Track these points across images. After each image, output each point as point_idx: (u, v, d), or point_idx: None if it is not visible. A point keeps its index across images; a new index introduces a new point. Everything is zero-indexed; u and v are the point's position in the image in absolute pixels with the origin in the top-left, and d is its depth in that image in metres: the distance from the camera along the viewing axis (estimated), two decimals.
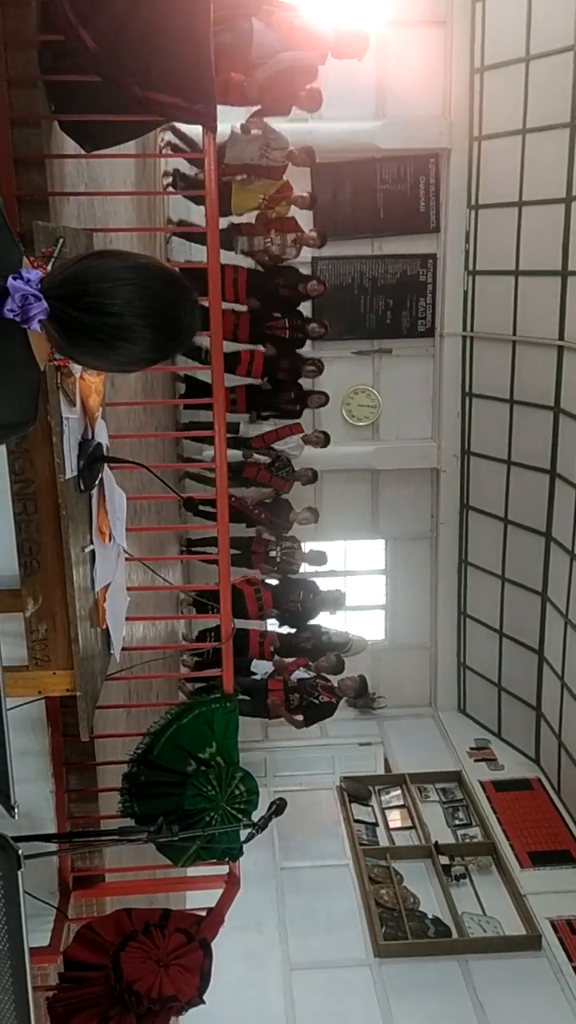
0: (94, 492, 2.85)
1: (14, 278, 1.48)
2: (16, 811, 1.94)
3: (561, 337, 8.66)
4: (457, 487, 10.46)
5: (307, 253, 9.07)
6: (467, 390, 10.12)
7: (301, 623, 8.13)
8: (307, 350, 8.85)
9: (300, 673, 7.53)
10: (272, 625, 8.34)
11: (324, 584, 8.60)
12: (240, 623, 6.97)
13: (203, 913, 3.67)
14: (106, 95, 3.16)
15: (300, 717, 7.47)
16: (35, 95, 3.17)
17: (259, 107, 6.41)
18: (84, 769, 3.97)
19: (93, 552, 2.86)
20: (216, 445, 3.90)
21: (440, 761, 10.13)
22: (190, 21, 3.07)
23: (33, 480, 2.56)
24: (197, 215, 7.63)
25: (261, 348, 8.19)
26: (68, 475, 2.57)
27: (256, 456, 8.37)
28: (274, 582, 8.23)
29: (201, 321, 1.95)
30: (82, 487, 2.72)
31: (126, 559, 3.43)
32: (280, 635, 8.13)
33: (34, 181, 3.13)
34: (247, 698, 6.74)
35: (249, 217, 7.76)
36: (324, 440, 8.67)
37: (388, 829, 9.23)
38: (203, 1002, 3.35)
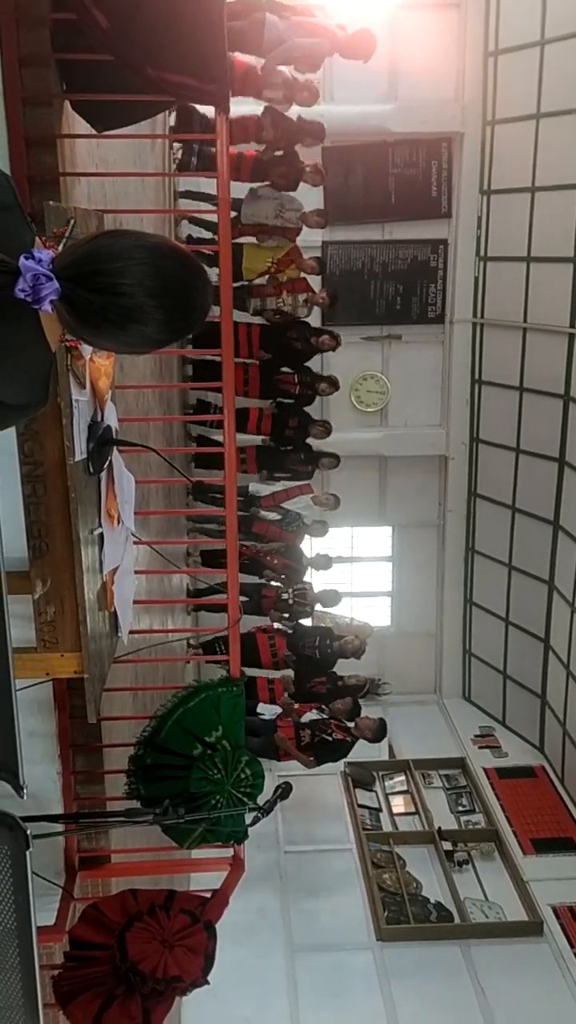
0: (103, 475, 2.85)
1: (26, 258, 1.47)
2: (24, 791, 1.95)
3: (572, 325, 8.61)
4: (465, 475, 10.43)
5: (316, 236, 9.04)
6: (476, 377, 10.08)
7: (318, 671, 7.52)
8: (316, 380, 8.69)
9: (312, 715, 7.09)
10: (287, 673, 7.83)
11: (322, 586, 8.44)
12: (250, 671, 6.68)
13: (208, 895, 3.69)
14: (118, 75, 3.13)
15: (311, 757, 6.67)
16: (47, 74, 3.14)
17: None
18: (91, 751, 3.98)
19: (101, 535, 2.86)
20: (225, 427, 3.89)
21: (444, 748, 10.16)
22: (204, 1, 3.04)
23: (42, 462, 2.56)
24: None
25: (270, 404, 8.21)
26: (77, 457, 2.56)
27: (265, 514, 8.22)
28: (288, 630, 7.82)
29: (213, 298, 1.93)
30: (91, 470, 2.71)
31: (134, 543, 3.43)
32: (293, 680, 7.58)
33: (45, 161, 3.11)
34: (254, 737, 6.19)
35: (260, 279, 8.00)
36: (335, 503, 8.48)
37: (392, 815, 9.27)
38: (207, 983, 3.38)
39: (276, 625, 7.82)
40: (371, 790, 9.56)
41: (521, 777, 9.72)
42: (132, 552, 3.40)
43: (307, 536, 8.49)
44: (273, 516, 8.22)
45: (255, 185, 7.47)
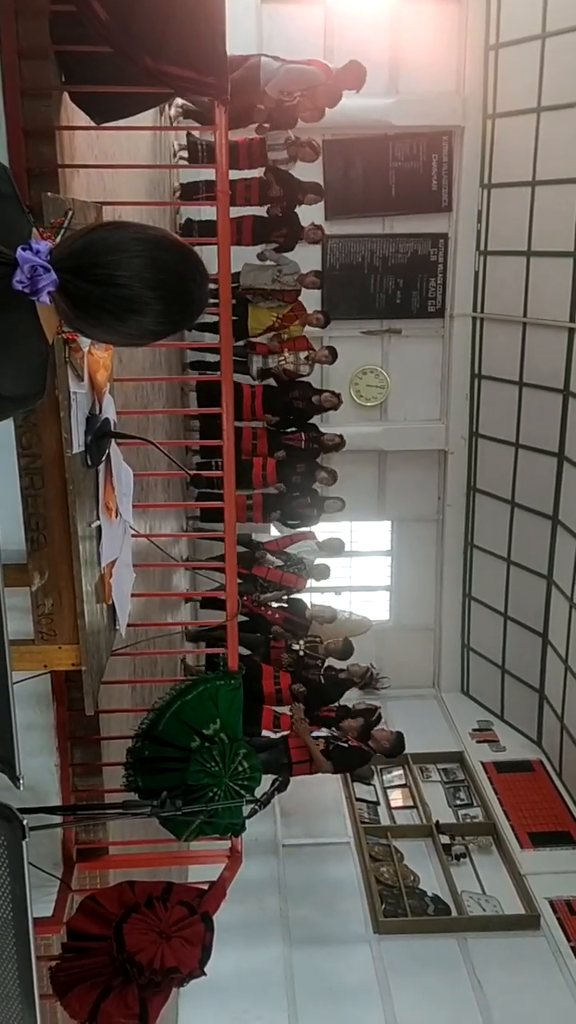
0: (101, 468, 2.85)
1: (23, 249, 1.47)
2: (21, 782, 1.95)
3: (572, 319, 8.60)
4: (465, 469, 10.43)
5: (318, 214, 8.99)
6: (476, 371, 10.07)
7: (326, 700, 7.27)
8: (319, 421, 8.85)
9: (320, 733, 6.79)
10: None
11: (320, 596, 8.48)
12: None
13: (205, 887, 3.70)
14: (117, 66, 3.12)
15: (328, 762, 6.38)
16: (46, 66, 3.13)
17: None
18: (89, 743, 3.99)
19: (100, 528, 2.87)
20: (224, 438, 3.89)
21: (442, 742, 10.18)
22: None
23: (40, 455, 2.57)
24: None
25: (277, 456, 8.28)
26: (75, 450, 2.57)
27: (269, 557, 8.11)
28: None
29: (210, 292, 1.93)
30: (89, 462, 2.72)
31: (132, 536, 3.43)
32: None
33: (44, 153, 3.10)
34: (262, 754, 5.67)
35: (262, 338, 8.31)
36: (340, 547, 8.49)
37: (390, 808, 9.29)
38: (204, 974, 3.39)
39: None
40: (369, 784, 9.59)
41: (519, 771, 9.75)
42: (130, 545, 3.41)
43: (311, 580, 8.30)
44: (276, 561, 8.09)
45: (255, 250, 7.89)
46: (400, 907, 7.87)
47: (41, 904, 3.64)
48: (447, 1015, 6.93)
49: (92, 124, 3.48)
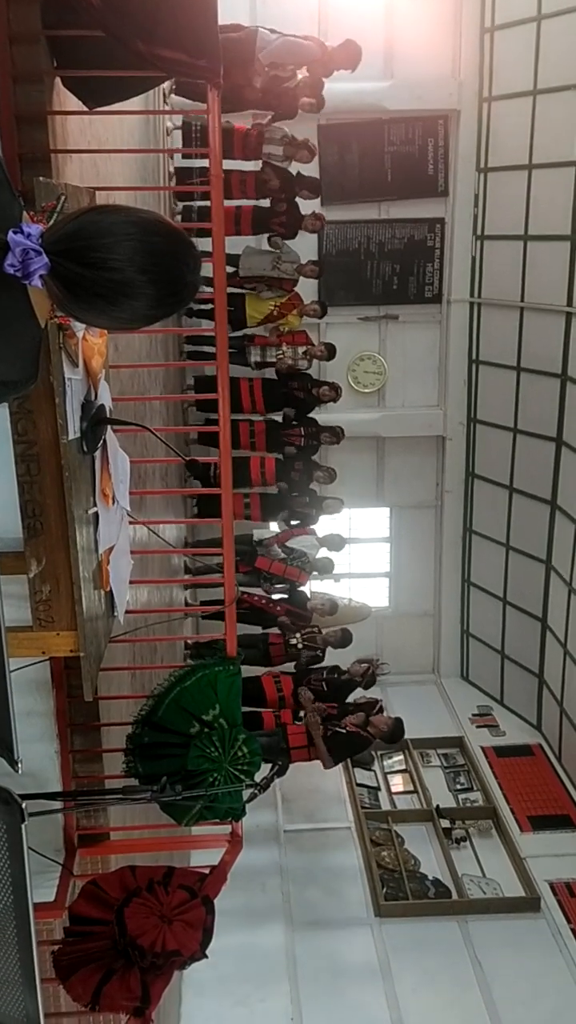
0: (97, 455, 2.85)
1: (14, 232, 1.47)
2: (20, 766, 1.96)
3: (569, 304, 8.58)
4: (463, 455, 10.43)
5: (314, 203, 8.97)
6: (474, 357, 10.06)
7: (330, 700, 7.13)
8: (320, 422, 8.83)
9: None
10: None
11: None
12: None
13: (206, 871, 3.72)
14: (109, 51, 3.10)
15: (327, 750, 6.36)
16: (37, 50, 3.11)
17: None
18: (89, 730, 4.01)
19: (96, 514, 2.87)
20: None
21: (442, 727, 10.22)
22: None
23: (36, 442, 2.56)
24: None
25: (274, 456, 8.29)
26: (71, 437, 2.56)
27: (275, 549, 8.04)
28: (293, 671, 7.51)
29: (203, 280, 1.93)
30: (85, 449, 2.71)
31: (130, 522, 3.43)
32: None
33: (36, 138, 3.09)
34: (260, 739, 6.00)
35: (261, 331, 8.29)
36: (340, 543, 8.44)
37: (390, 793, 9.34)
38: (205, 956, 3.41)
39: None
40: (370, 769, 9.63)
41: (519, 755, 9.79)
42: (128, 532, 3.41)
43: (313, 575, 8.28)
44: (279, 553, 8.04)
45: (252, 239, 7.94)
46: (401, 891, 7.92)
47: (43, 889, 3.66)
48: (448, 997, 6.99)
49: (85, 109, 3.46)
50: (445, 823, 8.66)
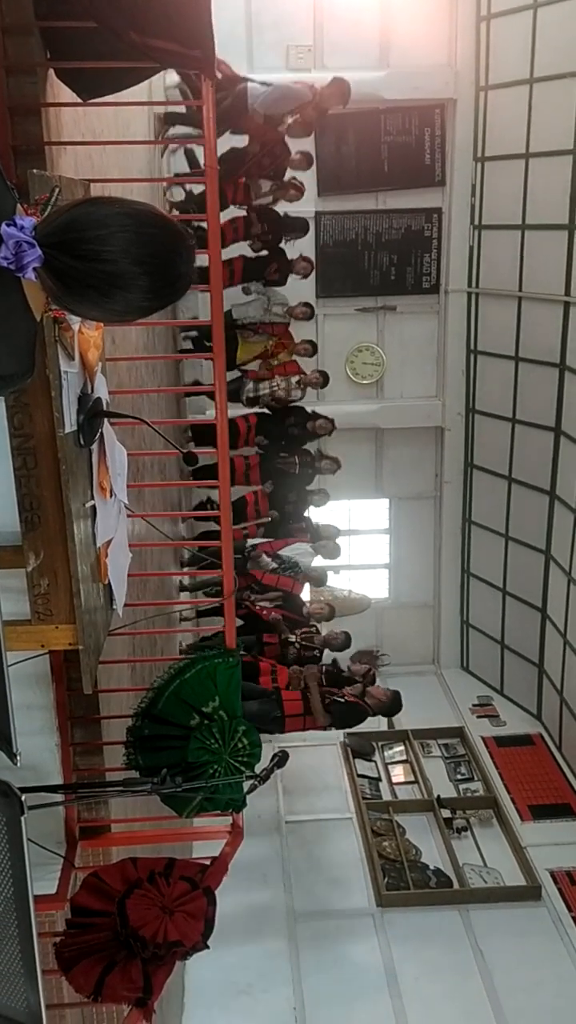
0: (94, 448, 2.85)
1: (7, 225, 1.46)
2: (19, 758, 1.97)
3: (567, 293, 8.56)
4: (461, 446, 10.42)
5: (310, 207, 8.98)
6: (472, 347, 10.04)
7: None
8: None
9: None
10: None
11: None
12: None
13: (207, 862, 3.73)
14: (103, 41, 3.09)
15: (328, 715, 6.21)
16: (30, 42, 3.09)
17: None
18: (89, 723, 4.01)
19: (94, 508, 2.87)
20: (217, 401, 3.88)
21: (443, 717, 10.24)
22: None
23: (33, 435, 2.56)
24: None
25: (265, 488, 8.28)
26: (68, 429, 2.56)
27: (264, 559, 7.87)
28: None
29: (198, 273, 1.93)
30: (82, 442, 2.71)
31: (128, 515, 3.44)
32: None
33: (30, 131, 3.07)
34: (253, 702, 5.87)
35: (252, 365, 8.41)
36: (336, 551, 8.31)
37: (391, 784, 9.36)
38: (207, 947, 3.42)
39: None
40: (370, 760, 9.66)
41: (519, 745, 9.82)
42: (126, 525, 3.41)
43: (307, 584, 8.16)
44: (271, 564, 7.88)
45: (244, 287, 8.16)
46: (403, 880, 7.95)
47: (45, 882, 3.67)
48: (450, 985, 7.02)
49: (78, 101, 3.45)
50: (446, 813, 8.69)
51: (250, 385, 8.33)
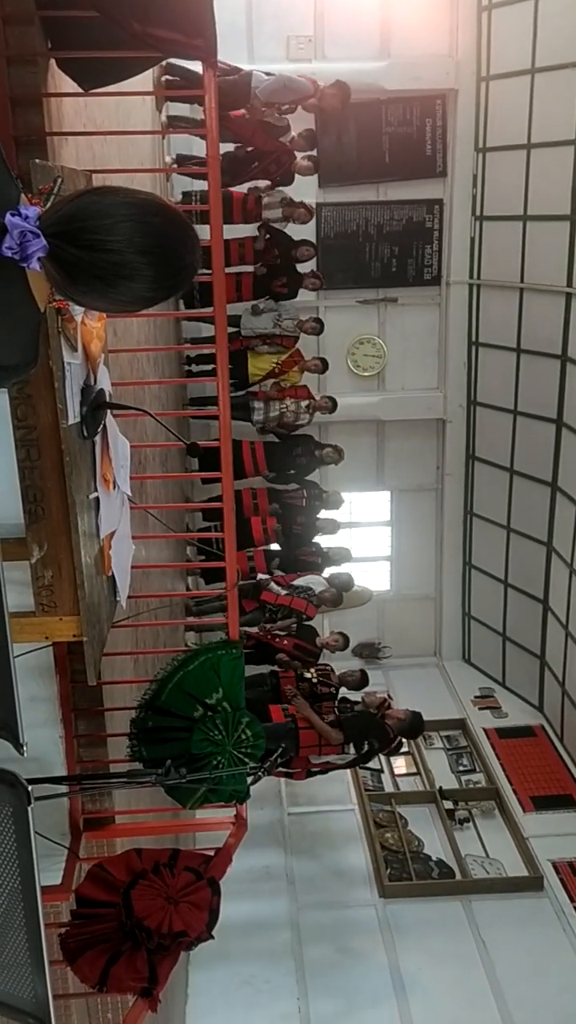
0: (97, 439, 2.85)
1: (12, 215, 1.45)
2: (25, 749, 1.97)
3: (569, 284, 8.54)
4: (463, 438, 10.41)
5: (311, 198, 8.95)
6: (474, 339, 10.02)
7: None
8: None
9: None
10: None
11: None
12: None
13: (211, 853, 3.74)
14: (104, 31, 3.08)
15: (338, 730, 6.04)
16: (32, 32, 3.08)
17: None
18: (93, 715, 4.02)
19: (97, 499, 2.87)
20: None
21: (444, 709, 10.24)
22: None
23: (36, 427, 2.56)
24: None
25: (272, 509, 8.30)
26: (71, 421, 2.56)
27: (274, 586, 7.70)
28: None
29: (202, 259, 1.92)
30: (85, 434, 2.71)
31: (131, 507, 3.43)
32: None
33: (32, 121, 3.06)
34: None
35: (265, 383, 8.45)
36: (349, 582, 8.05)
37: (393, 776, 9.37)
38: (212, 937, 3.44)
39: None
40: None
41: (521, 737, 9.82)
42: (129, 517, 3.41)
43: (321, 609, 8.00)
44: (281, 591, 7.71)
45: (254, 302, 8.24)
46: (405, 871, 7.97)
47: (50, 873, 3.68)
48: (453, 976, 7.04)
49: (80, 91, 3.43)
50: (448, 804, 8.70)
51: (259, 406, 8.36)
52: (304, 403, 8.43)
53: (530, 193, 8.87)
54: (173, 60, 6.62)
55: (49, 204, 1.63)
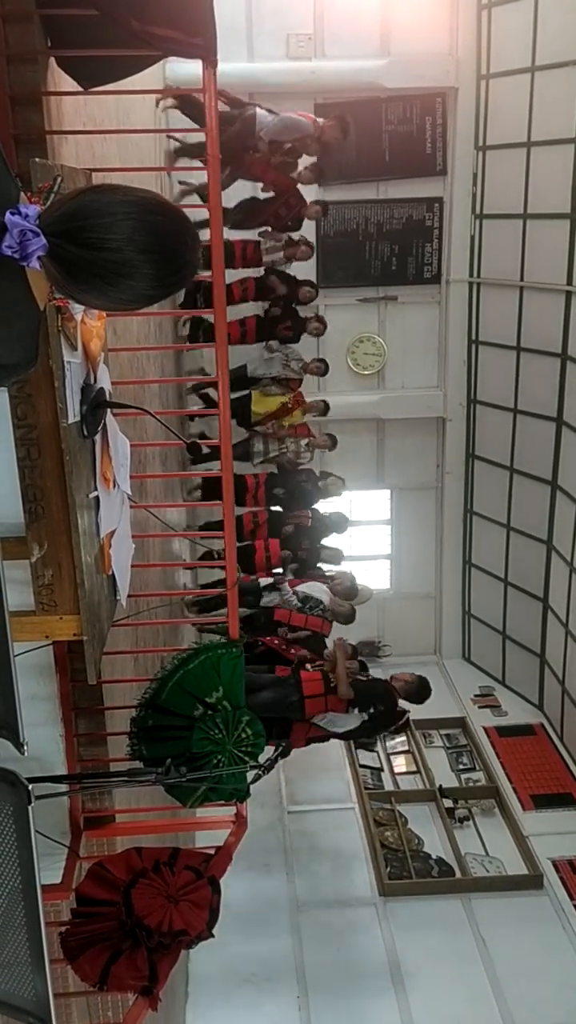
0: (97, 438, 2.84)
1: (12, 213, 1.45)
2: (25, 748, 1.97)
3: (569, 282, 8.54)
4: (463, 436, 10.41)
5: (311, 196, 8.94)
6: (473, 337, 10.02)
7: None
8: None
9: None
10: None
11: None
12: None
13: (212, 852, 3.74)
14: (104, 29, 3.07)
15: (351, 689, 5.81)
16: (31, 30, 3.07)
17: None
18: (93, 714, 4.02)
19: (97, 498, 2.87)
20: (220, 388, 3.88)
21: (444, 708, 10.23)
22: None
23: (36, 425, 2.55)
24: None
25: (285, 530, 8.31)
26: (71, 420, 2.56)
27: (288, 598, 7.59)
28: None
29: (203, 260, 1.92)
30: (85, 433, 2.71)
31: (131, 506, 3.43)
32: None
33: (31, 120, 3.06)
34: (266, 693, 5.66)
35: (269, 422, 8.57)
36: (354, 592, 7.95)
37: (393, 774, 9.38)
38: (212, 936, 3.44)
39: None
40: (372, 750, 9.67)
41: (521, 735, 9.83)
42: (129, 516, 3.41)
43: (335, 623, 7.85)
44: (294, 602, 7.58)
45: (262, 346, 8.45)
46: (405, 870, 7.97)
47: (50, 872, 3.68)
48: (453, 974, 7.05)
49: (80, 89, 3.43)
50: (448, 803, 8.71)
51: (259, 447, 8.47)
52: (304, 441, 8.59)
53: (530, 191, 8.87)
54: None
55: (49, 202, 1.63)
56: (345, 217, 9.66)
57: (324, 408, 8.79)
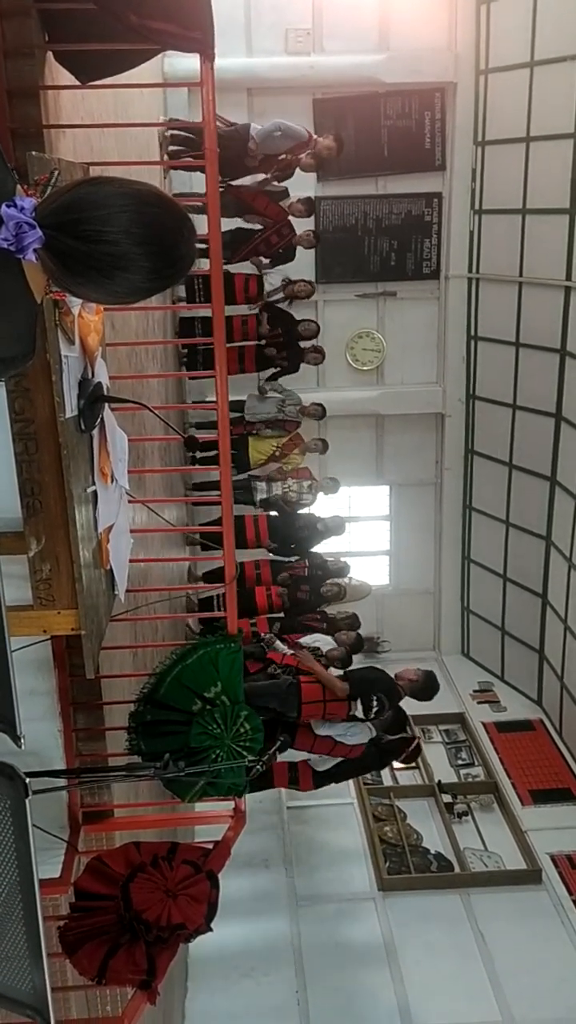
0: (95, 433, 2.84)
1: (8, 206, 1.45)
2: (23, 741, 1.97)
3: (568, 278, 8.53)
4: (462, 432, 10.40)
5: (310, 192, 8.93)
6: (472, 333, 10.01)
7: None
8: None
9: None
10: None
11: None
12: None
13: (210, 846, 3.75)
14: (102, 23, 3.06)
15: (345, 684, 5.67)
16: (28, 24, 3.07)
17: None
18: (91, 708, 4.02)
19: (95, 493, 2.87)
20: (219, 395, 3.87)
21: (444, 703, 10.21)
22: None
23: (33, 420, 2.55)
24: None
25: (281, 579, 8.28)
26: (68, 414, 2.55)
27: (279, 644, 7.06)
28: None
29: (199, 251, 1.92)
30: (83, 427, 2.71)
31: (129, 501, 3.43)
32: None
33: (28, 113, 3.05)
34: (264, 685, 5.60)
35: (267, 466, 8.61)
36: (360, 643, 7.45)
37: (392, 769, 9.37)
38: (211, 930, 3.45)
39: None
40: None
41: (520, 731, 9.84)
42: (127, 511, 3.41)
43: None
44: (287, 650, 7.08)
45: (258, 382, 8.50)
46: (404, 865, 7.98)
47: (49, 866, 3.69)
48: (452, 969, 7.06)
49: (77, 83, 3.42)
50: (447, 798, 8.72)
51: (263, 487, 8.47)
52: (307, 483, 8.60)
53: (529, 186, 8.85)
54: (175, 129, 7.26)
55: (46, 195, 1.62)
56: (344, 212, 9.65)
57: (324, 447, 8.82)
